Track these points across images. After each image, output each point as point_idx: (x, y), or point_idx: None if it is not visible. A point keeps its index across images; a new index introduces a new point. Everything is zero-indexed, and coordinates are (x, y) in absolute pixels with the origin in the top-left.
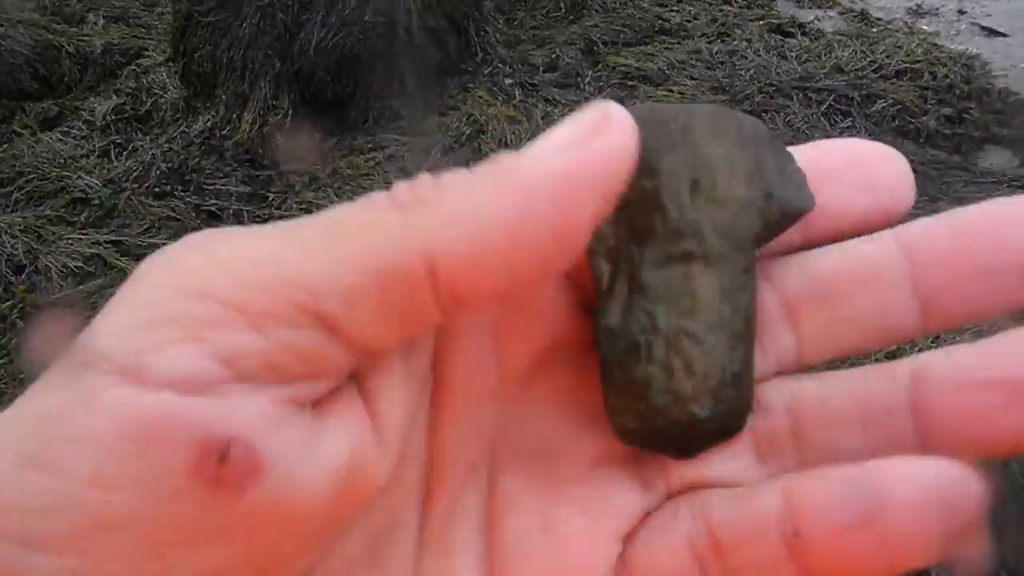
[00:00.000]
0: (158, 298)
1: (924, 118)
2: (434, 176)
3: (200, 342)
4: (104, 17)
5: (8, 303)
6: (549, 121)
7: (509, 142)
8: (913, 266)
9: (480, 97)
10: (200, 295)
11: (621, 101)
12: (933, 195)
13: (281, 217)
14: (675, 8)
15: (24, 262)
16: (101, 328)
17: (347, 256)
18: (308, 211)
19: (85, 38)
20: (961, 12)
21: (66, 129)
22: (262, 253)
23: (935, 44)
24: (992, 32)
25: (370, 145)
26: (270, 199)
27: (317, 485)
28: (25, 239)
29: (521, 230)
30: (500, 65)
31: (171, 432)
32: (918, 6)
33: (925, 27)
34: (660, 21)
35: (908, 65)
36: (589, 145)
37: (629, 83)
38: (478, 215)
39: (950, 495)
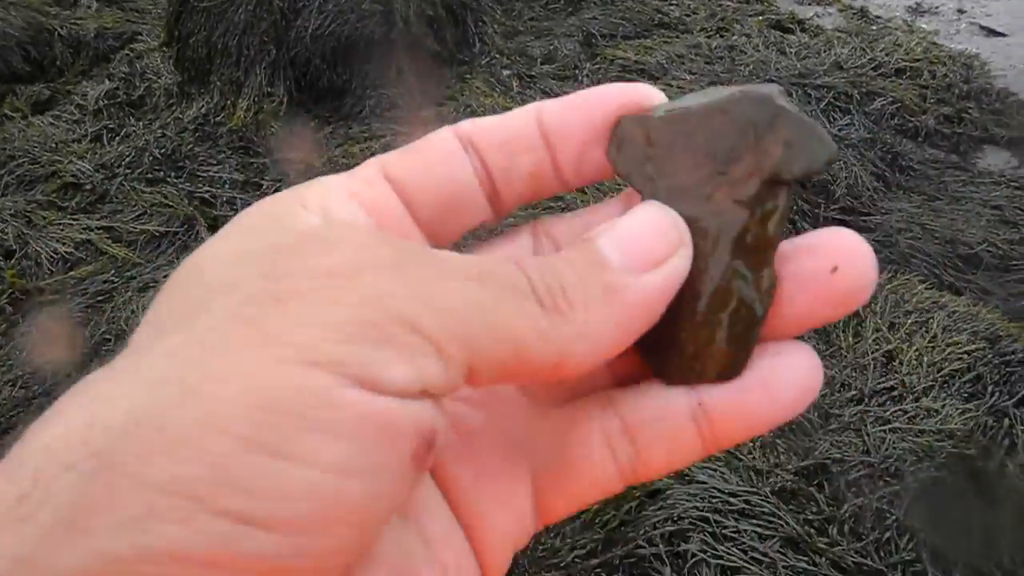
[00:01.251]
0: (371, 319)
1: (923, 117)
2: (558, 273)
3: (414, 366)
4: (97, 1)
5: None
6: None
7: None
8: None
9: (477, 88)
10: (411, 329)
11: None
12: (931, 194)
13: None
14: (674, 2)
15: (14, 247)
16: (305, 328)
17: (501, 332)
18: None
19: (78, 21)
20: (960, 11)
21: (58, 113)
22: (448, 300)
23: (934, 43)
24: (991, 32)
25: (365, 134)
26: (264, 187)
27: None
28: (15, 224)
29: (624, 340)
30: (497, 56)
31: (402, 428)
32: (918, 4)
33: (924, 26)
34: (659, 15)
35: (907, 63)
36: (673, 264)
37: (627, 76)
38: (599, 331)
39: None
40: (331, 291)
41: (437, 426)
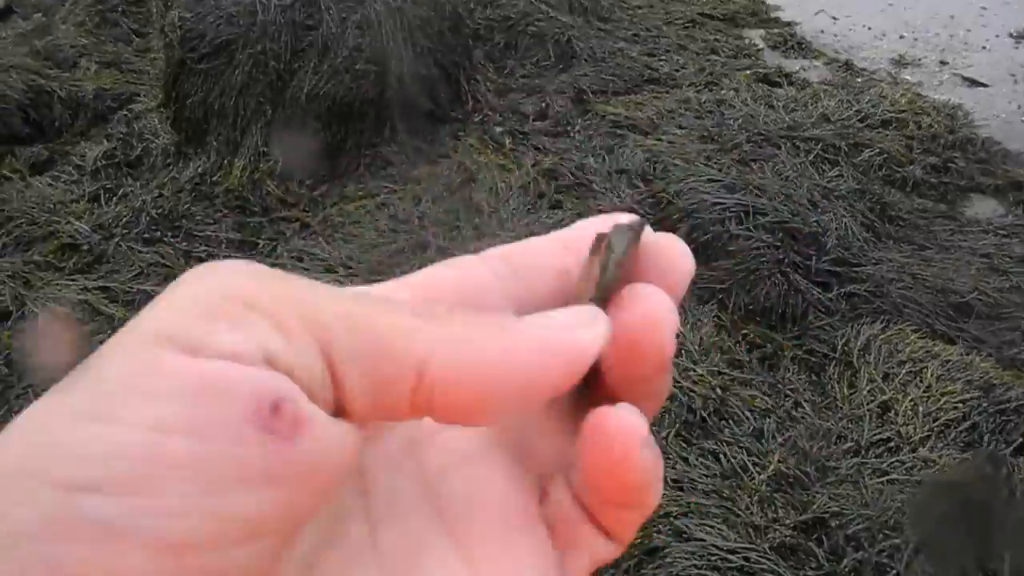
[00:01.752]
0: (209, 301)
1: (910, 167)
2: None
3: (248, 334)
4: (96, 62)
5: None
6: (539, 169)
7: (499, 190)
8: None
9: (471, 145)
10: (245, 305)
11: (611, 149)
12: (921, 244)
13: (272, 265)
14: (663, 58)
15: (11, 308)
16: (158, 316)
17: (360, 322)
18: (299, 259)
19: (77, 83)
20: (943, 63)
21: (56, 174)
22: (298, 293)
23: (919, 94)
24: (974, 83)
25: (361, 193)
26: (260, 246)
27: (343, 445)
28: (12, 285)
29: (505, 373)
30: (490, 113)
31: (230, 387)
32: (901, 57)
33: (909, 77)
34: (649, 70)
35: (893, 115)
36: (574, 332)
37: (619, 131)
38: (475, 343)
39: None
40: (187, 286)
41: (285, 393)
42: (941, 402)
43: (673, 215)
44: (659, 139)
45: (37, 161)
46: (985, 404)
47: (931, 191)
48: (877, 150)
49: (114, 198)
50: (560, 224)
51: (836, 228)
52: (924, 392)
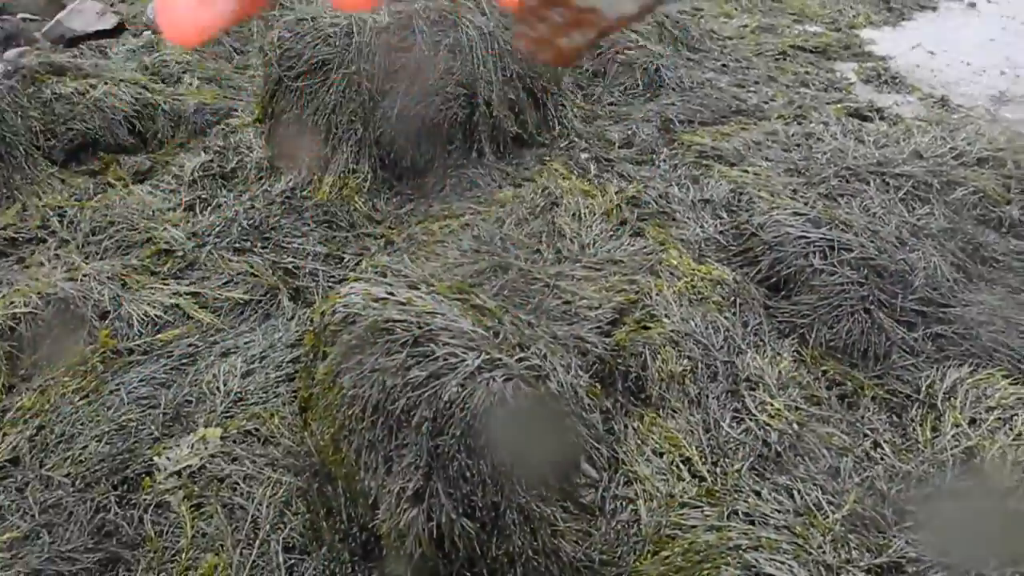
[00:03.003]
0: None
1: (1007, 207)
2: None
3: None
4: (199, 78)
5: (91, 347)
6: (623, 196)
7: (583, 215)
8: None
9: (556, 170)
10: None
11: (695, 179)
12: (1016, 287)
13: (356, 279)
14: (752, 89)
15: (108, 308)
16: None
17: None
18: (383, 275)
19: (180, 97)
20: None
21: (156, 182)
22: None
23: (1018, 132)
24: None
25: (445, 212)
26: (345, 260)
27: None
28: (111, 286)
29: None
30: (576, 139)
31: None
32: (1001, 94)
33: (1008, 115)
34: (737, 101)
35: (990, 153)
36: None
37: (704, 162)
38: None
39: None
40: None
41: None
42: None
43: (756, 247)
44: (745, 171)
45: (139, 170)
46: None
47: None
48: (971, 188)
49: (208, 208)
50: (643, 252)
51: (924, 267)
52: (1014, 440)
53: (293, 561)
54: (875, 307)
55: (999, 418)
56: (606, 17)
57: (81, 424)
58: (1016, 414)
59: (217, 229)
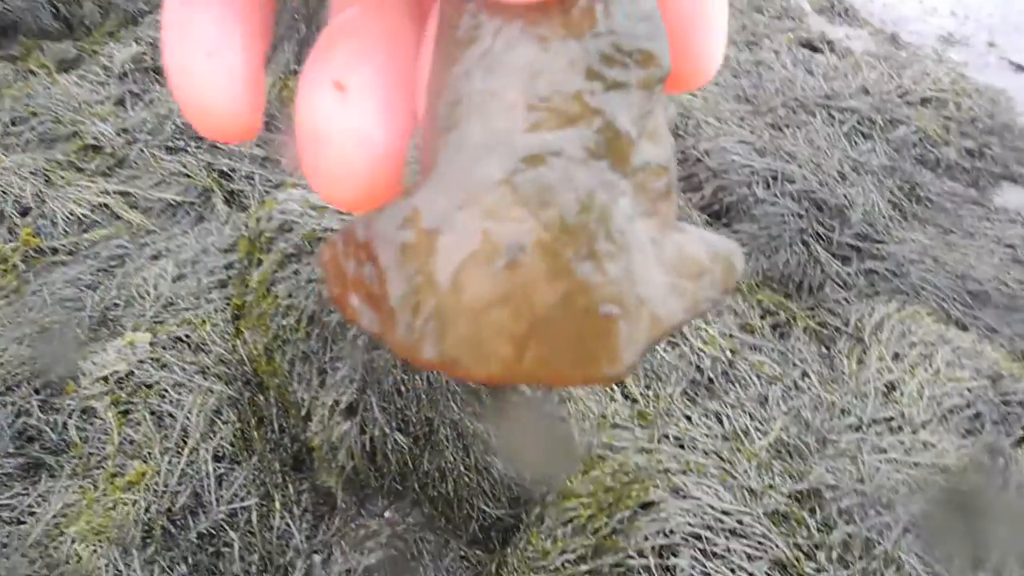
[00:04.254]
0: None
1: (945, 148)
2: None
3: None
4: None
5: (11, 245)
6: None
7: None
8: None
9: None
10: None
11: None
12: (946, 227)
13: (294, 185)
14: None
15: (31, 205)
16: None
17: None
18: None
19: None
20: (991, 45)
21: (83, 73)
22: None
23: (963, 74)
24: (1020, 68)
25: None
26: (283, 163)
27: None
28: (34, 182)
29: None
30: None
31: None
32: (949, 35)
33: (954, 56)
34: None
35: (934, 93)
36: None
37: None
38: None
39: None
40: None
41: None
42: (947, 387)
43: (700, 173)
44: (693, 95)
45: (64, 58)
46: (991, 394)
47: (963, 175)
48: (913, 128)
49: (140, 103)
50: None
51: (863, 203)
52: (932, 375)
53: (223, 470)
54: (813, 240)
55: (920, 354)
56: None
57: (1, 326)
58: (936, 351)
59: (149, 126)
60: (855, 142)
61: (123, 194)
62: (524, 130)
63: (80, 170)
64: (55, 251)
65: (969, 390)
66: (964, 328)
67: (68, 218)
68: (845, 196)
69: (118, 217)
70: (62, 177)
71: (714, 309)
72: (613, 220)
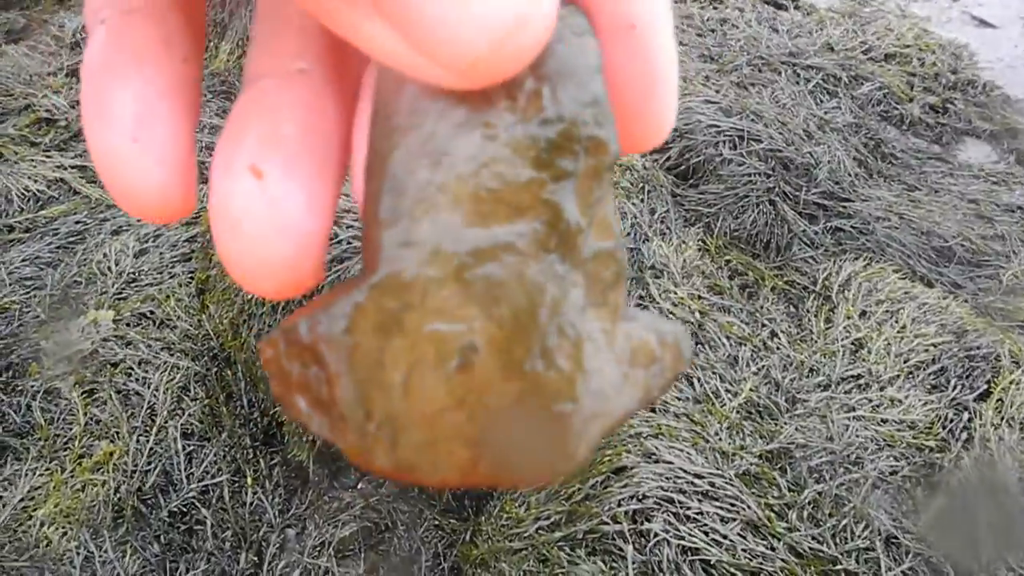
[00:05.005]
0: None
1: (909, 105)
2: None
3: None
4: None
5: None
6: None
7: None
8: None
9: None
10: None
11: None
12: (911, 184)
13: None
14: None
15: None
16: None
17: None
18: None
19: None
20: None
21: (33, 43)
22: None
23: (926, 30)
24: (983, 23)
25: None
26: None
27: None
28: None
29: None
30: None
31: None
32: None
33: (917, 11)
34: None
35: (898, 49)
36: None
37: None
38: None
39: None
40: None
41: None
42: (914, 343)
43: None
44: None
45: (13, 28)
46: (956, 349)
47: (927, 131)
48: (877, 84)
49: None
50: None
51: (829, 161)
52: (898, 332)
53: (192, 447)
54: (780, 199)
55: (887, 311)
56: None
57: None
58: (902, 308)
59: None
60: (820, 100)
61: (80, 168)
62: (472, 224)
63: (34, 144)
64: (11, 229)
65: (935, 346)
66: (929, 284)
67: (23, 194)
68: (811, 155)
69: (76, 192)
70: (15, 152)
71: (663, 395)
72: (564, 314)
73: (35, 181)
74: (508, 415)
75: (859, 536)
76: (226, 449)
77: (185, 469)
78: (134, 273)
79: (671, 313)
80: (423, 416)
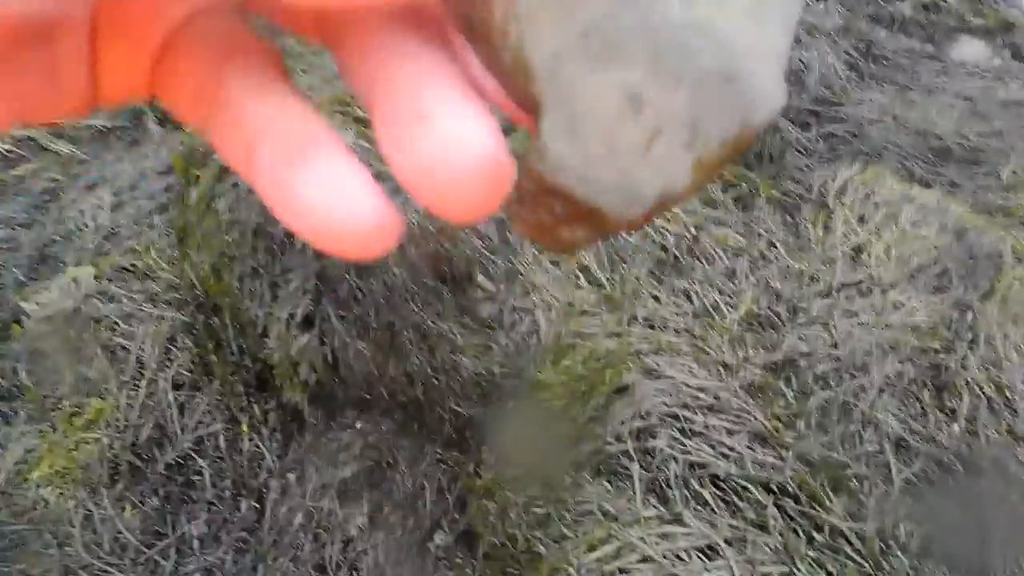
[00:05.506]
0: None
1: (899, 4)
2: None
3: None
4: None
5: None
6: None
7: None
8: None
9: None
10: None
11: None
12: (904, 85)
13: None
14: None
15: None
16: None
17: None
18: None
19: None
20: None
21: None
22: None
23: None
24: None
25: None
26: None
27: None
28: None
29: None
30: None
31: None
32: None
33: None
34: None
35: None
36: None
37: None
38: None
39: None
40: None
41: None
42: (914, 246)
43: None
44: None
45: None
46: (957, 249)
47: (919, 30)
48: None
49: None
50: None
51: (819, 66)
52: (898, 235)
53: (184, 398)
54: None
55: (885, 215)
56: (611, 219)
57: None
58: (901, 210)
59: None
60: (808, 3)
61: (48, 124)
62: None
63: None
64: None
65: (935, 247)
66: (927, 185)
67: None
68: (801, 60)
69: (45, 149)
70: None
71: None
72: None
73: (2, 141)
74: None
75: (868, 441)
76: (219, 397)
77: (178, 421)
78: (112, 227)
79: (664, 229)
80: None
